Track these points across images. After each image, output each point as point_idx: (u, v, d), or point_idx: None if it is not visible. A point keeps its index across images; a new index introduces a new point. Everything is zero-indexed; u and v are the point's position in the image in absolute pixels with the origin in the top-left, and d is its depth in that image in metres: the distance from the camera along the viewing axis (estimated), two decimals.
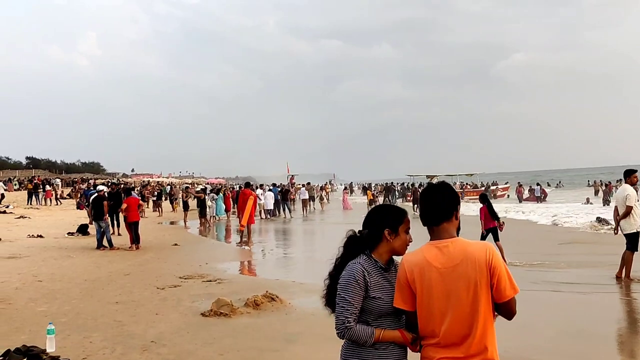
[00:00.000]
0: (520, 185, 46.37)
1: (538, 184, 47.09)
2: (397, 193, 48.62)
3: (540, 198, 43.90)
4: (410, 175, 52.62)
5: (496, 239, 13.38)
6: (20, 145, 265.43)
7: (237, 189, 37.58)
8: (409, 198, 40.18)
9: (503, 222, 14.19)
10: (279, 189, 36.94)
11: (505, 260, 12.75)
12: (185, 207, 28.23)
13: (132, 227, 17.08)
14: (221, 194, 30.55)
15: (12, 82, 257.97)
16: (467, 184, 51.43)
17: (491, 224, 13.70)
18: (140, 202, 17.32)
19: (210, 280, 11.35)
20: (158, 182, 68.37)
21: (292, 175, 61.46)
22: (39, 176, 67.00)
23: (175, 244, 18.39)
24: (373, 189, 51.60)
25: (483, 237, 13.33)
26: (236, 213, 31.60)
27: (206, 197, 29.09)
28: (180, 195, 34.83)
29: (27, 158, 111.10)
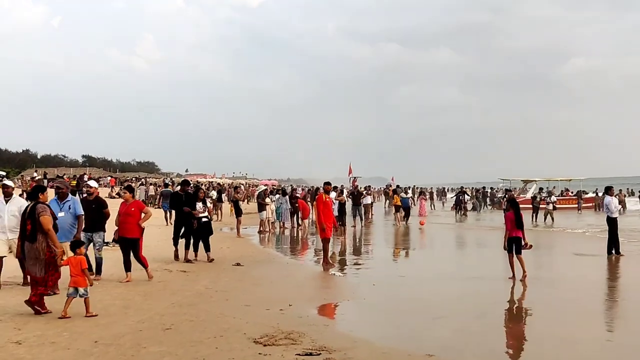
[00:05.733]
0: None
1: None
2: (479, 199, 43.22)
3: None
4: (504, 180, 46.86)
5: (518, 251, 12.16)
6: (78, 145, 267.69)
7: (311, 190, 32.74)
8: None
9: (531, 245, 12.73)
10: (350, 193, 31.94)
11: (514, 275, 11.83)
12: (238, 212, 23.00)
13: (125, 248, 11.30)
14: (279, 196, 25.82)
15: (74, 84, 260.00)
16: (567, 190, 45.07)
17: (516, 233, 12.24)
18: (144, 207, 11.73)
19: (312, 354, 6.40)
20: (211, 182, 64.24)
21: (355, 178, 56.22)
22: (89, 174, 64.01)
23: (238, 264, 13.65)
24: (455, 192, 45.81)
25: (509, 248, 12.21)
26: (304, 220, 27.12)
27: (269, 199, 24.42)
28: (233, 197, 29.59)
29: (83, 156, 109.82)
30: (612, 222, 15.56)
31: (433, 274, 13.60)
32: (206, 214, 14.65)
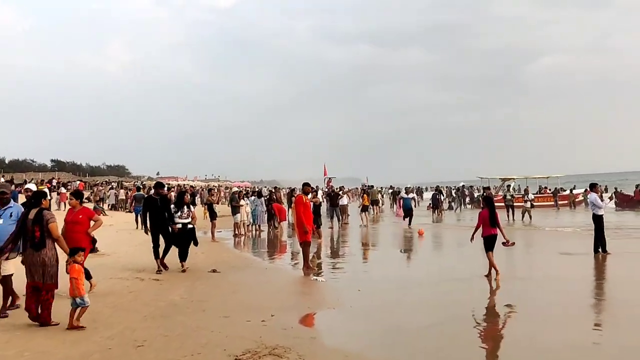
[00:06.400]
0: None
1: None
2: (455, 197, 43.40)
3: None
4: (482, 178, 46.71)
5: (490, 248, 12.11)
6: (47, 149, 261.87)
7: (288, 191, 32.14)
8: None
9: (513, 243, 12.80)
10: (327, 192, 31.53)
11: (497, 272, 11.83)
12: (213, 215, 22.37)
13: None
14: (256, 197, 25.26)
15: (44, 88, 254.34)
16: (545, 187, 45.10)
17: (492, 231, 12.16)
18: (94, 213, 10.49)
19: None
20: (179, 185, 63.06)
21: (330, 178, 55.65)
22: (58, 178, 62.61)
23: (214, 270, 13.02)
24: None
25: (488, 247, 12.12)
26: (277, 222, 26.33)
27: (243, 200, 23.81)
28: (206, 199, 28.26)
29: (52, 161, 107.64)
30: (598, 220, 15.24)
31: (418, 276, 13.16)
32: (190, 219, 13.50)
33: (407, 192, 30.71)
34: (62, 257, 8.31)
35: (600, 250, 15.04)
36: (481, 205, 13.72)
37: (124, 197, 38.89)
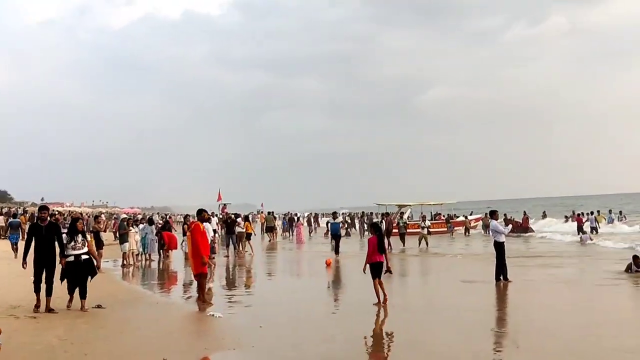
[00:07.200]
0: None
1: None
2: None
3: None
4: (380, 204, 47.14)
5: (377, 275, 12.21)
6: None
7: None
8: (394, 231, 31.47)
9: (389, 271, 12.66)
10: (223, 219, 30.61)
11: (386, 299, 11.94)
12: (99, 244, 20.70)
13: None
14: (146, 225, 24.01)
15: None
16: (439, 214, 46.32)
17: (378, 258, 12.28)
18: None
19: None
20: (59, 211, 59.46)
21: (225, 204, 54.69)
22: None
23: (99, 306, 11.83)
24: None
25: (373, 274, 12.22)
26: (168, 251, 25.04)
27: (132, 228, 22.52)
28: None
29: None
30: (499, 247, 15.31)
31: (320, 308, 12.56)
32: (86, 249, 11.93)
33: (334, 217, 28.23)
34: None
35: (501, 277, 15.11)
36: (369, 233, 13.69)
37: (3, 225, 36.11)
